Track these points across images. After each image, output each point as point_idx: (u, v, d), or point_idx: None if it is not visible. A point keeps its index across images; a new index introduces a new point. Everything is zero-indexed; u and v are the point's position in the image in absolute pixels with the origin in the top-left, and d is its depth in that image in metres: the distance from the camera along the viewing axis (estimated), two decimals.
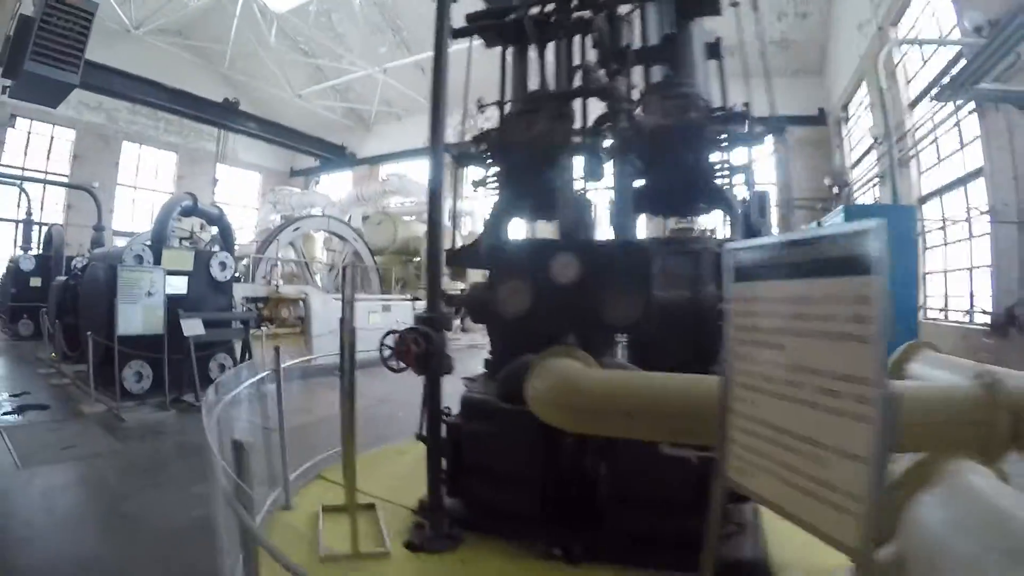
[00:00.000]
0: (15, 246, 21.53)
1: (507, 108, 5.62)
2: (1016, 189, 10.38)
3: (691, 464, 3.22)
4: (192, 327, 9.37)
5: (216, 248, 11.40)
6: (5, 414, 8.53)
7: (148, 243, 10.15)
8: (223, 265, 10.73)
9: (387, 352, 4.13)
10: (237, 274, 11.85)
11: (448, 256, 5.38)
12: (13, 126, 24.29)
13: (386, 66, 25.20)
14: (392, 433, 6.75)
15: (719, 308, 3.48)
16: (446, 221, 17.05)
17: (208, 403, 3.93)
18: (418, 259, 20.64)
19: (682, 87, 4.76)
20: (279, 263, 16.79)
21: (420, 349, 4.00)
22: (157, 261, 9.84)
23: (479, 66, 5.74)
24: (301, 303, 14.28)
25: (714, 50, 5.26)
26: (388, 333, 4.16)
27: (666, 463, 3.06)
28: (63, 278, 13.83)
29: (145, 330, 9.17)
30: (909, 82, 14.81)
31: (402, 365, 4.11)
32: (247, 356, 10.63)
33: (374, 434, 6.84)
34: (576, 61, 5.40)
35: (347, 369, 3.72)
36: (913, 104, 14.43)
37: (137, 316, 9.12)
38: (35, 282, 17.22)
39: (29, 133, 25.21)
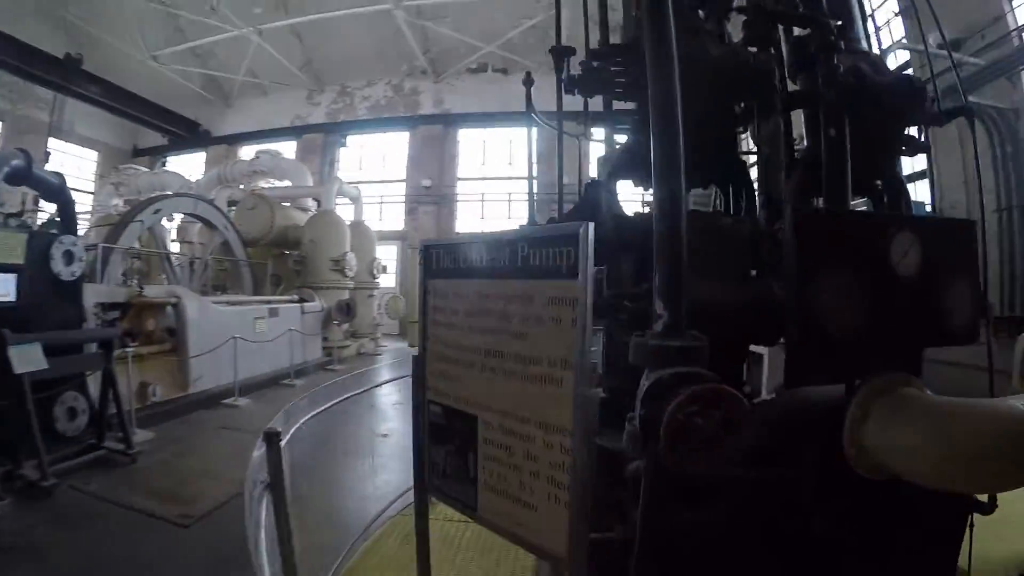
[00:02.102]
0: None
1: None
2: None
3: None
4: (28, 358, 5.95)
5: (55, 231, 7.80)
6: None
7: None
8: (69, 256, 7.27)
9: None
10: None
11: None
12: None
13: (261, 27, 21.54)
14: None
15: None
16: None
17: None
18: (296, 252, 17.50)
19: (854, 42, 3.81)
20: (166, 254, 12.89)
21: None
22: None
23: None
24: (170, 310, 10.80)
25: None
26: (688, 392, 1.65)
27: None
28: None
29: None
30: None
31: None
32: (111, 394, 7.22)
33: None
34: None
35: None
36: None
37: None
38: None
39: None
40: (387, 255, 21.42)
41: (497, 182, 24.67)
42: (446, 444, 2.34)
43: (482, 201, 24.73)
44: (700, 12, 3.67)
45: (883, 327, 2.69)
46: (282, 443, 2.48)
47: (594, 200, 3.58)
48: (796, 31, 3.92)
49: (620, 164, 3.58)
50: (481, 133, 25.69)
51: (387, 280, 21.28)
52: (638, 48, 3.44)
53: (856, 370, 2.54)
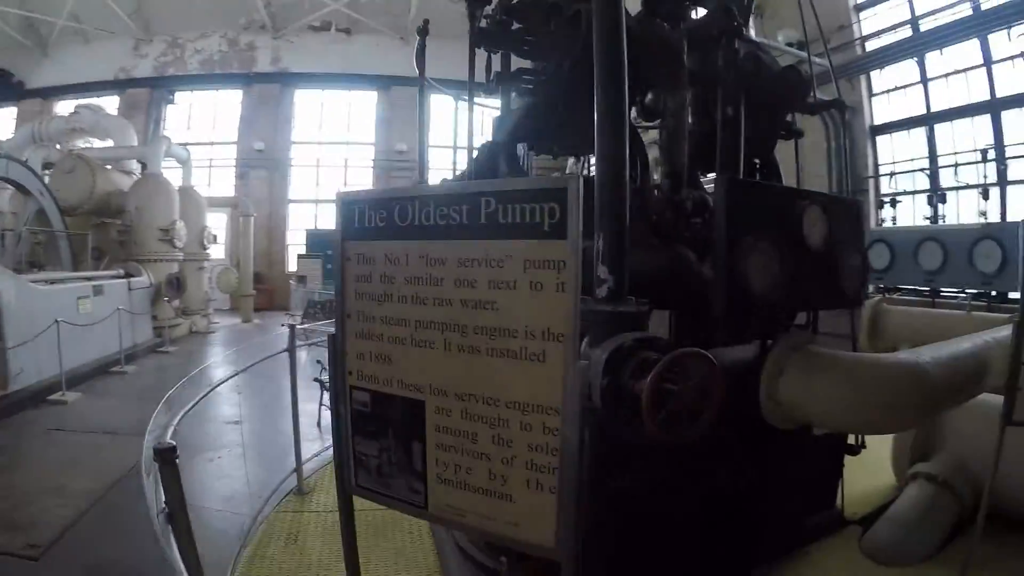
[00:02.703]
0: None
1: None
2: None
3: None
4: None
5: None
6: None
7: None
8: None
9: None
10: None
11: None
12: None
13: None
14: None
15: None
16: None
17: None
18: (120, 222, 15.74)
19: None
20: None
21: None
22: None
23: None
24: None
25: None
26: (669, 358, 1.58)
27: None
28: None
29: None
30: None
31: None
32: None
33: None
34: None
35: None
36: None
37: None
38: None
39: None
40: (217, 223, 19.89)
41: (334, 147, 24.00)
42: (379, 437, 2.05)
43: (317, 167, 24.02)
44: None
45: (795, 290, 2.85)
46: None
47: (492, 162, 3.39)
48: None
49: (520, 126, 3.45)
50: (320, 95, 24.62)
51: (217, 251, 19.87)
52: (552, 6, 3.28)
53: (769, 330, 2.78)
